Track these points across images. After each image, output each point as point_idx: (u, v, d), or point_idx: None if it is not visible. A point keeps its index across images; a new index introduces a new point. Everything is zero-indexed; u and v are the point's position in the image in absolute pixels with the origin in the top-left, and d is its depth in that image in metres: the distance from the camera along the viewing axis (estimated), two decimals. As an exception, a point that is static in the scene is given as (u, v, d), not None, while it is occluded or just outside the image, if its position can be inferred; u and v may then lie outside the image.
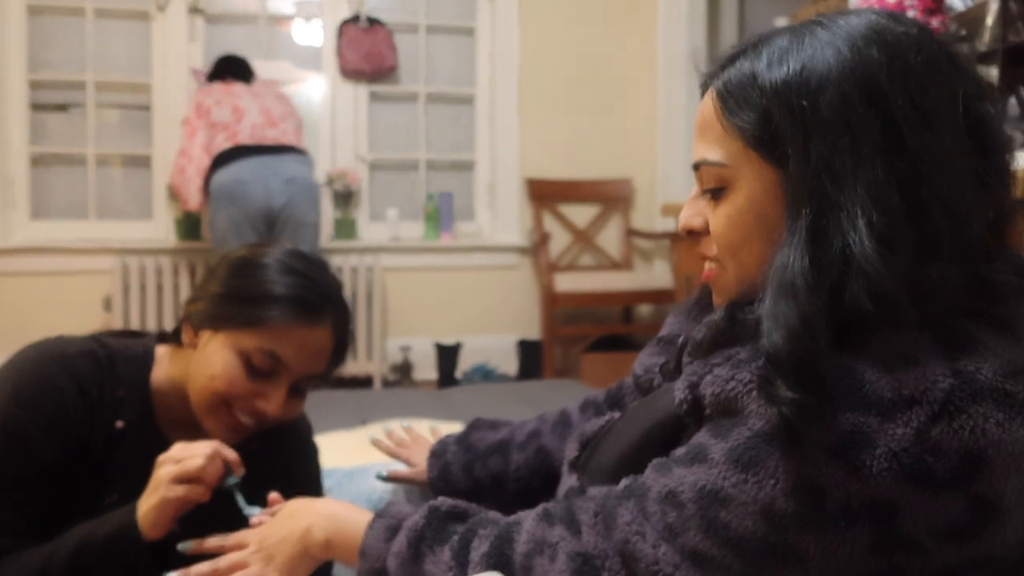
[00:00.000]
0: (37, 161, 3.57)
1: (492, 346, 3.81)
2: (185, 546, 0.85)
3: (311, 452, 1.14)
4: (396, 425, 1.24)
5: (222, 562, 0.81)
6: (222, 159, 3.05)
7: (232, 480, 0.90)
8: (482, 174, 3.98)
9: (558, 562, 0.65)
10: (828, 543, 0.56)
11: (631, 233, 3.98)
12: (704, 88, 0.71)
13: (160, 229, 3.59)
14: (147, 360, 1.01)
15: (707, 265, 0.74)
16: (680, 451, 0.65)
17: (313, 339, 0.95)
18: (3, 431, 0.90)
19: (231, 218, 2.96)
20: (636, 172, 4.03)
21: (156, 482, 0.86)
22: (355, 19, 3.71)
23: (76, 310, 3.38)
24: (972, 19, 1.86)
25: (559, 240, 3.89)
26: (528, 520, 0.70)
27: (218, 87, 3.22)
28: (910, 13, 1.95)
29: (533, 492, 1.02)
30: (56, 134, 3.61)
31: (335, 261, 3.55)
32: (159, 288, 3.44)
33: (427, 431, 1.23)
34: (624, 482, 0.67)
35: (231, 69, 3.32)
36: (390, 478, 1.14)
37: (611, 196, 4.00)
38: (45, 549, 0.88)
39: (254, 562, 0.80)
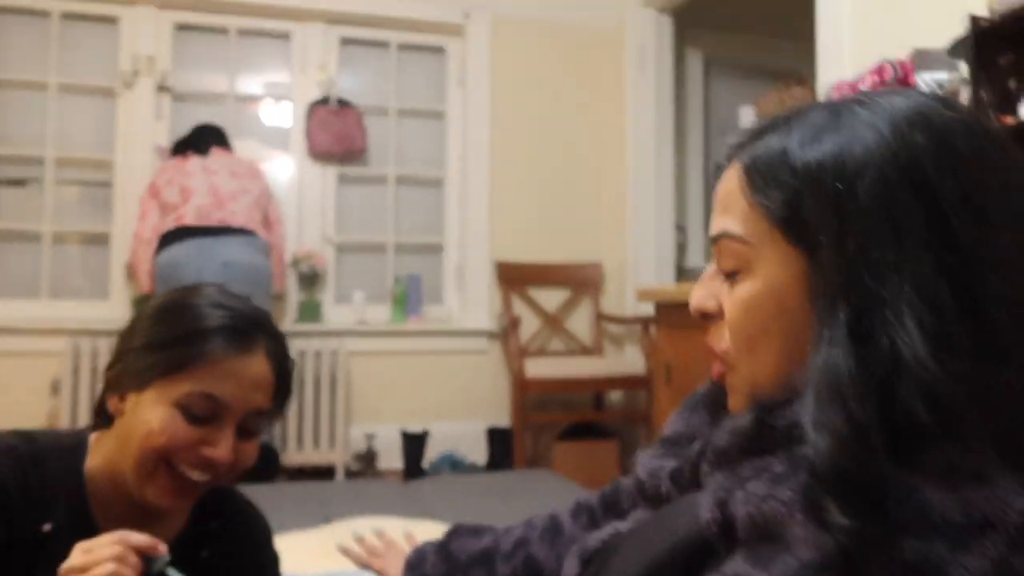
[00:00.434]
0: (-12, 238, 3.43)
1: (460, 433, 3.68)
2: None
3: (270, 561, 1.02)
4: (367, 530, 1.13)
5: None
6: (165, 240, 2.97)
7: (159, 563, 0.76)
8: (451, 257, 3.93)
9: None
10: None
11: (601, 318, 3.93)
12: (729, 160, 0.65)
13: (116, 309, 3.45)
14: (79, 451, 0.90)
15: (718, 363, 0.67)
16: None
17: (249, 370, 0.88)
18: None
19: None
20: (606, 256, 4.01)
21: None
22: (325, 101, 3.70)
23: (22, 394, 3.20)
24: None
25: (528, 324, 3.82)
26: None
27: (172, 164, 3.15)
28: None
29: None
30: (11, 210, 3.48)
31: (298, 344, 3.43)
32: (111, 372, 3.27)
33: (400, 535, 1.12)
34: None
35: (201, 140, 3.24)
36: (359, 561, 1.04)
37: (581, 280, 3.97)
38: None
39: None
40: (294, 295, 3.60)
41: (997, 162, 0.57)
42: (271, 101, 3.80)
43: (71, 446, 0.90)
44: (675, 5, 3.88)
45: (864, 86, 2.07)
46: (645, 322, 3.60)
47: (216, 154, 3.18)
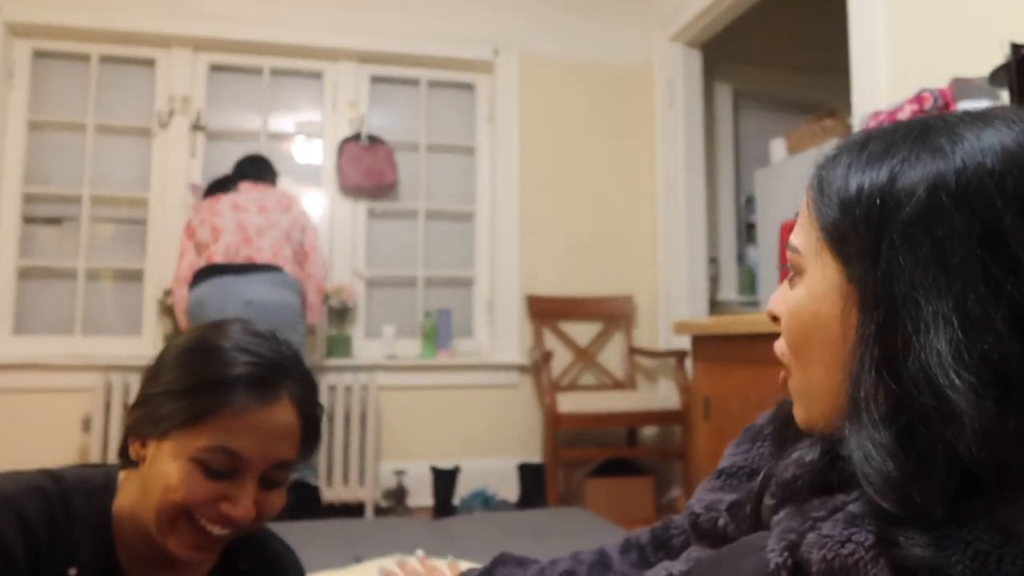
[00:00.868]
0: (25, 274, 3.48)
1: (491, 470, 3.62)
2: None
3: (302, 603, 0.99)
4: (412, 557, 1.11)
5: None
6: (196, 279, 3.00)
7: None
8: (481, 291, 3.91)
9: None
10: None
11: (634, 351, 3.88)
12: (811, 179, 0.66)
13: (148, 345, 3.47)
14: (107, 491, 0.87)
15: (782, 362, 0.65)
16: None
17: (271, 421, 0.82)
18: None
19: None
20: (638, 289, 3.97)
21: None
22: (356, 137, 3.73)
23: (53, 430, 3.22)
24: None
25: (560, 358, 3.78)
26: None
27: (206, 204, 3.17)
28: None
29: None
30: (47, 247, 3.54)
31: (328, 379, 3.41)
32: (142, 407, 3.28)
33: (444, 564, 1.13)
34: None
35: (239, 174, 3.25)
36: None
37: (613, 313, 3.92)
38: None
39: None
40: (324, 329, 3.60)
41: None
42: (303, 138, 3.84)
43: (99, 486, 0.88)
44: (703, 39, 3.88)
45: (903, 115, 2.04)
46: (679, 355, 3.53)
47: (246, 189, 3.18)
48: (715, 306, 4.07)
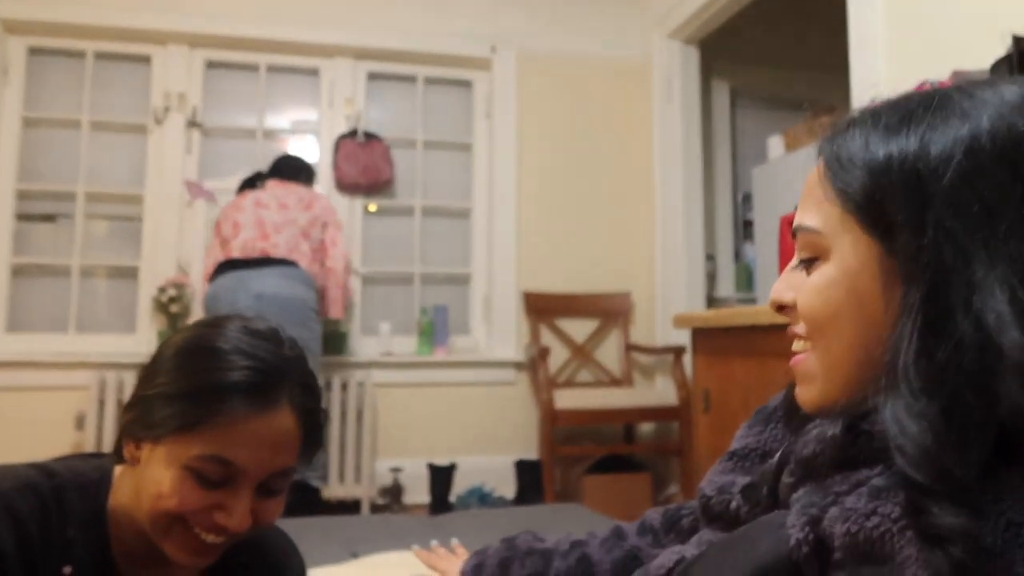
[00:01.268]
0: (19, 272, 3.46)
1: (488, 467, 3.61)
2: None
3: (302, 596, 0.97)
4: (397, 564, 1.12)
5: None
6: (215, 273, 3.04)
7: None
8: (478, 288, 3.90)
9: None
10: None
11: (631, 348, 3.87)
12: (818, 155, 0.64)
13: (143, 342, 3.45)
14: (102, 487, 0.84)
15: (796, 345, 0.64)
16: None
17: (269, 429, 0.78)
18: None
19: None
20: (635, 286, 3.96)
21: None
22: (352, 133, 3.72)
23: (47, 428, 3.19)
24: None
25: (557, 355, 3.77)
26: None
27: (234, 201, 3.21)
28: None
29: None
30: (41, 245, 3.52)
31: (324, 376, 3.39)
32: (137, 405, 3.25)
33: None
34: None
35: (274, 171, 3.27)
36: None
37: (610, 310, 3.91)
38: None
39: None
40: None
41: None
42: (299, 135, 3.82)
43: (94, 481, 0.85)
44: (701, 36, 3.87)
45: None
46: (676, 352, 3.53)
47: (272, 187, 3.20)
48: (712, 303, 4.07)
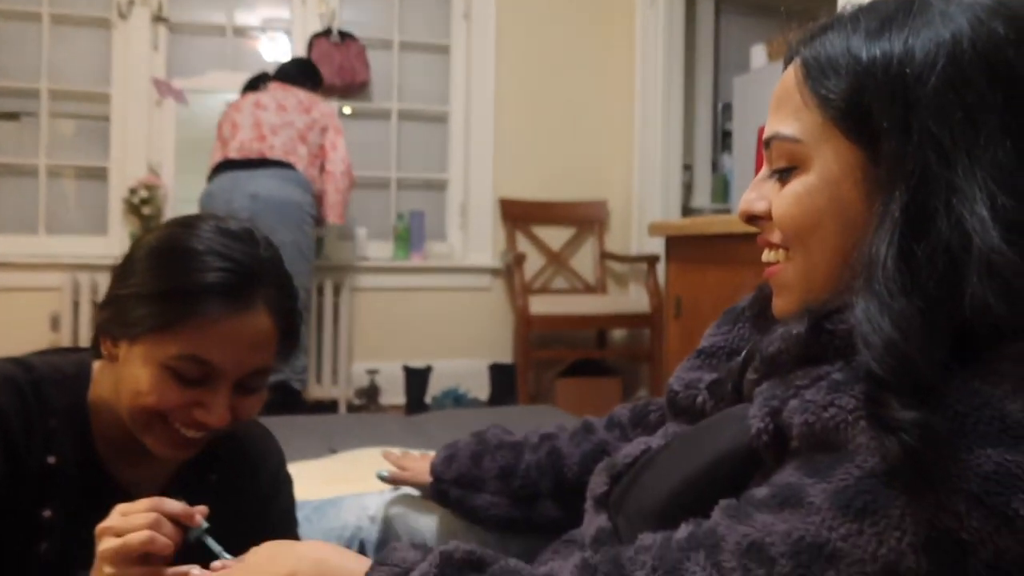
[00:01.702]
0: (-16, 171, 3.38)
1: (463, 370, 3.68)
2: None
3: (284, 484, 1.00)
4: (375, 459, 1.16)
5: None
6: (212, 173, 3.04)
7: (196, 533, 0.74)
8: (455, 194, 3.88)
9: None
10: None
11: (606, 256, 3.90)
12: (787, 61, 0.63)
13: (115, 244, 3.41)
14: (82, 381, 0.85)
15: (767, 255, 0.64)
16: (761, 492, 0.53)
17: (245, 330, 0.78)
18: None
19: None
20: (611, 194, 3.96)
21: (100, 559, 0.71)
22: (327, 32, 3.61)
23: (22, 328, 3.19)
24: None
25: (532, 262, 3.79)
26: (564, 574, 0.58)
27: (235, 102, 3.16)
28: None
29: (539, 495, 0.95)
30: (6, 144, 3.42)
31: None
32: (112, 306, 3.25)
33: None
34: (685, 528, 0.55)
35: (279, 74, 3.24)
36: (391, 479, 1.10)
37: (586, 218, 3.93)
38: None
39: None
40: (296, 231, 3.56)
41: None
42: (271, 33, 3.70)
43: (72, 375, 0.86)
44: (686, -64, 3.75)
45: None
46: (650, 260, 3.57)
47: (273, 89, 3.16)
48: (687, 212, 4.09)
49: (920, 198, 0.51)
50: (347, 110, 3.72)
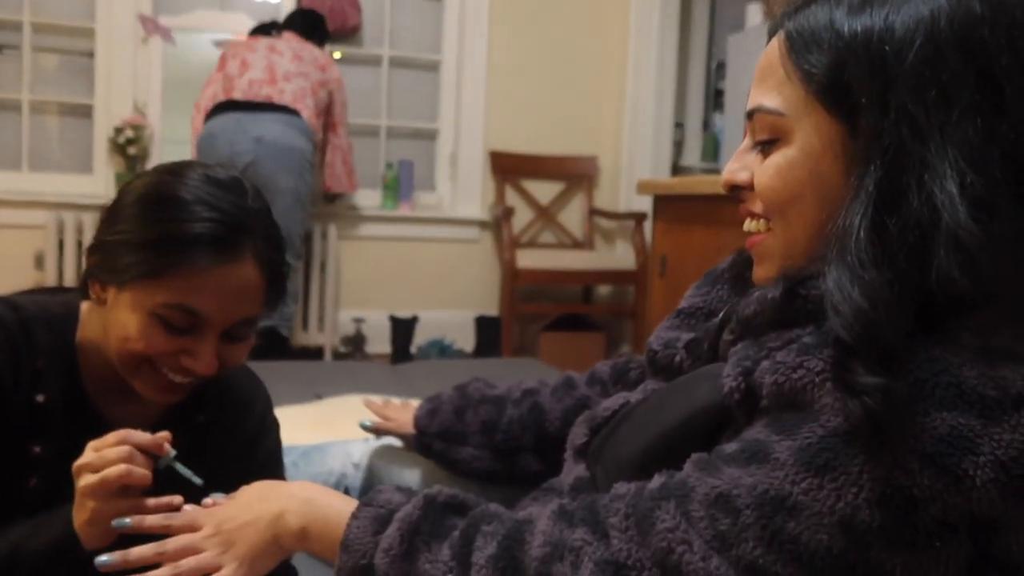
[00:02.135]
0: (-34, 105, 3.32)
1: (449, 321, 3.70)
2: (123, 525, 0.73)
3: (271, 428, 1.01)
4: (359, 405, 1.17)
5: (169, 545, 0.69)
6: (212, 112, 3.01)
7: (164, 461, 0.76)
8: (445, 144, 3.85)
9: (583, 570, 0.56)
10: (918, 563, 0.48)
11: (594, 212, 3.91)
12: (771, 33, 0.64)
13: (100, 183, 3.38)
14: (69, 321, 0.86)
15: (748, 224, 0.66)
16: (731, 447, 0.56)
17: (234, 280, 0.79)
18: None
19: None
20: (601, 150, 3.95)
21: (80, 495, 0.73)
22: (318, -27, 3.53)
23: (6, 266, 3.17)
24: None
25: (521, 216, 3.79)
26: (542, 519, 0.60)
27: (245, 41, 3.13)
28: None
29: (521, 448, 0.98)
30: (-12, 77, 3.36)
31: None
32: (97, 246, 3.23)
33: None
34: (659, 479, 0.58)
35: (292, 23, 3.22)
36: (374, 429, 1.12)
37: (575, 173, 3.92)
38: None
39: (209, 547, 0.68)
40: (283, 177, 3.53)
41: None
42: (260, -29, 3.62)
43: (60, 316, 0.86)
44: None
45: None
46: (638, 218, 3.58)
47: (288, 38, 3.14)
48: (677, 171, 4.09)
49: (894, 174, 0.52)
50: (337, 55, 3.66)
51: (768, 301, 0.59)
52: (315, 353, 3.45)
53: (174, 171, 0.83)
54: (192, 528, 0.70)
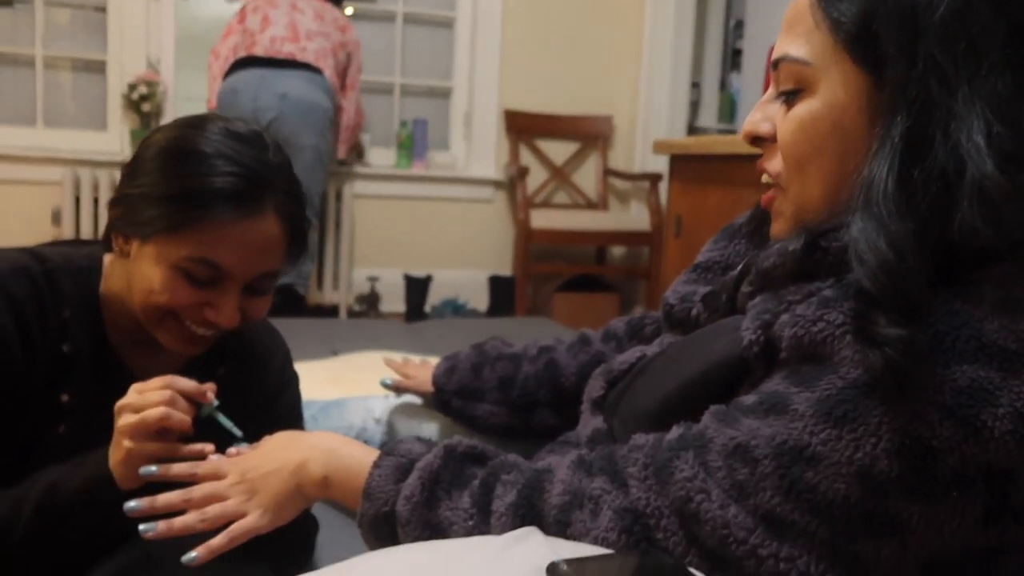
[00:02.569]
0: (-21, 59, 3.31)
1: (463, 281, 3.71)
2: (150, 472, 0.75)
3: (291, 381, 1.03)
4: (376, 362, 1.19)
5: (195, 492, 0.70)
6: (234, 66, 3.00)
7: (207, 409, 0.79)
8: (459, 103, 3.82)
9: (602, 518, 0.57)
10: (934, 513, 0.49)
11: (609, 172, 3.88)
12: None
13: (115, 140, 3.38)
14: (93, 273, 0.87)
15: (765, 179, 0.66)
16: (749, 399, 0.56)
17: (256, 234, 0.80)
18: None
19: None
20: (617, 110, 3.91)
21: (118, 434, 0.74)
22: (331, -73, 3.48)
23: (23, 222, 3.19)
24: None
25: (535, 176, 3.77)
26: (561, 469, 0.61)
27: None
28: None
29: (537, 404, 0.99)
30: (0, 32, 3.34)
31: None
32: (113, 203, 3.24)
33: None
34: (677, 430, 0.58)
35: None
36: (395, 387, 1.14)
37: (590, 133, 3.89)
38: (8, 495, 0.77)
39: (233, 495, 0.69)
40: (297, 135, 3.52)
41: None
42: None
43: (85, 267, 0.87)
44: None
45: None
46: (653, 178, 3.55)
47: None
48: (693, 131, 4.05)
49: (920, 124, 0.52)
50: (349, 10, 3.62)
51: (789, 253, 0.59)
52: (330, 311, 3.47)
53: (195, 124, 0.84)
54: (217, 476, 0.72)
